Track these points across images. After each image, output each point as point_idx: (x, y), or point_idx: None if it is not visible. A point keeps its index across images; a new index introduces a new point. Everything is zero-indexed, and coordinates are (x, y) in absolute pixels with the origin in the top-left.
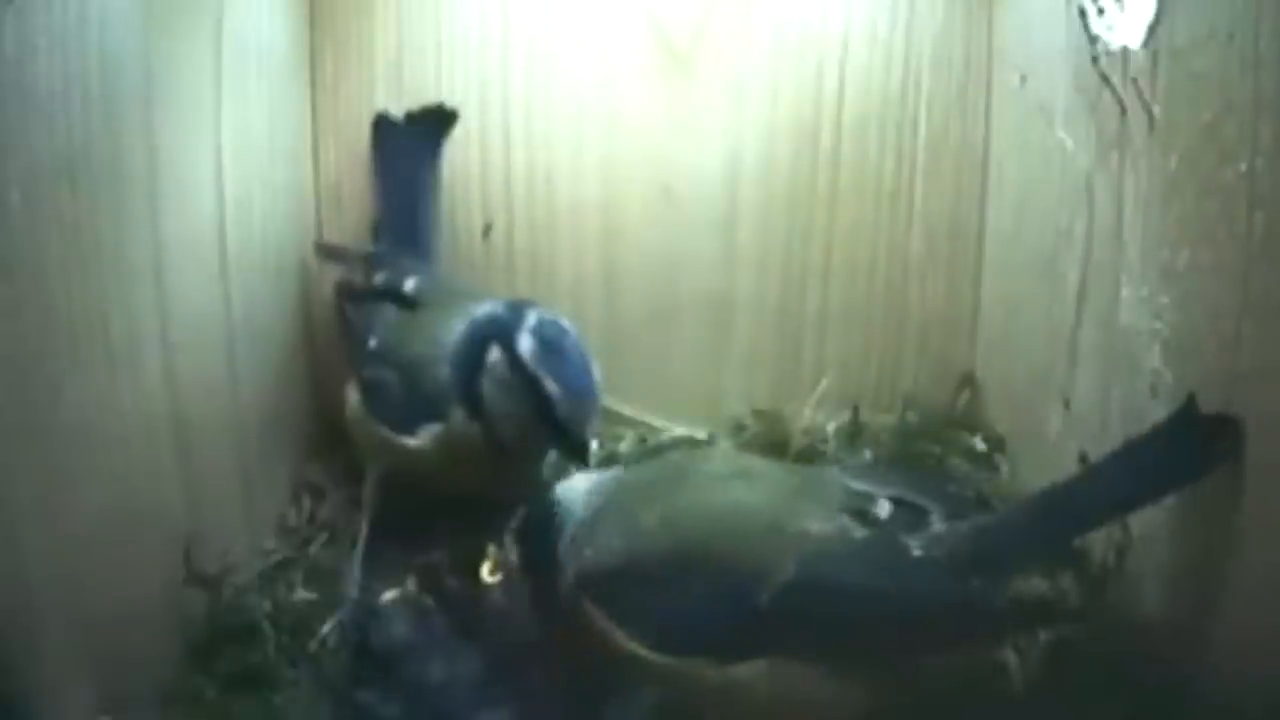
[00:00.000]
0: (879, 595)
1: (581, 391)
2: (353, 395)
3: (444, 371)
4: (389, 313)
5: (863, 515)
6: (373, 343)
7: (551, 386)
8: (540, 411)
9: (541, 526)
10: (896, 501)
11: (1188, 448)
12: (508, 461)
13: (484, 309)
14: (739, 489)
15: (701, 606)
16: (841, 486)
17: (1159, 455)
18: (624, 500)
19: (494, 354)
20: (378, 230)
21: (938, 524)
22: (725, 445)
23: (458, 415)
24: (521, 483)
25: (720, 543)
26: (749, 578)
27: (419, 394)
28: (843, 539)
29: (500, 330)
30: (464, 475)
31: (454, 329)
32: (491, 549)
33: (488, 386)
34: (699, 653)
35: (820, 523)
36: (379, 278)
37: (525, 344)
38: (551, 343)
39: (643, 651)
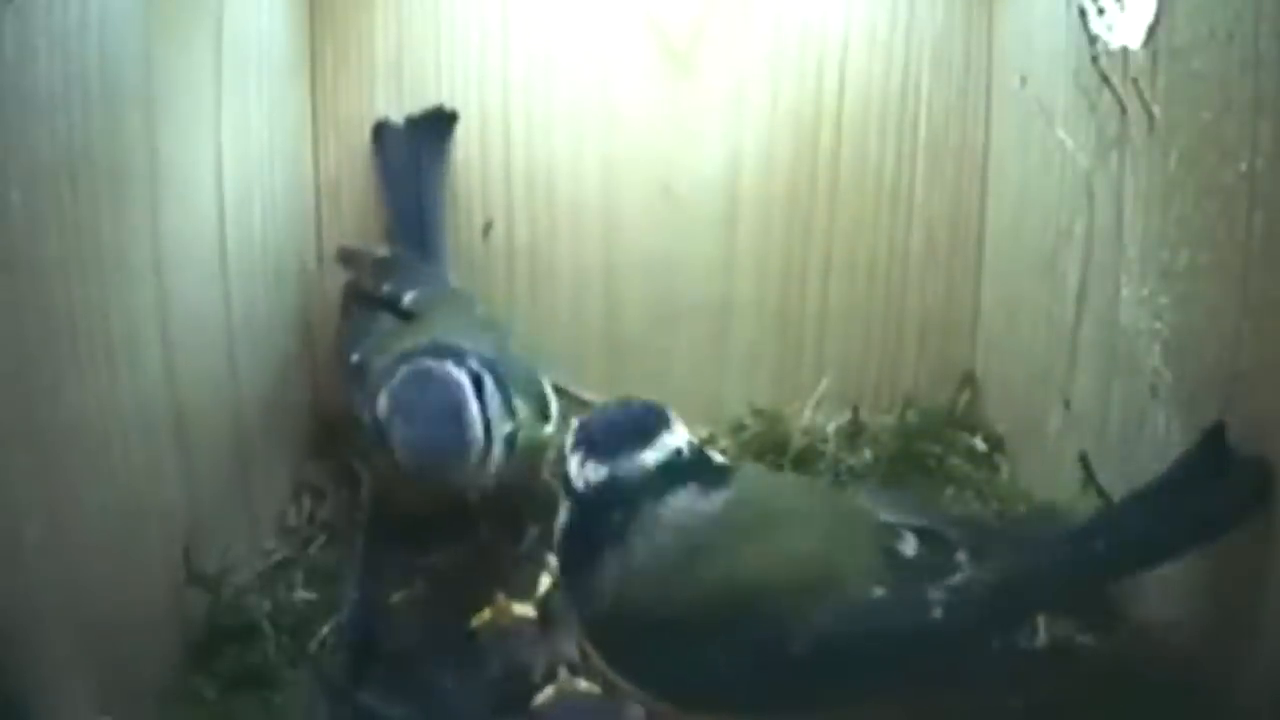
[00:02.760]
0: (896, 666)
1: (418, 442)
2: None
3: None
4: (385, 324)
5: (891, 555)
6: (354, 357)
7: (396, 436)
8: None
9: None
10: (921, 533)
11: (1216, 492)
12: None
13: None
14: (768, 537)
15: (723, 668)
16: (871, 521)
17: (1186, 499)
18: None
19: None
20: (390, 234)
21: (963, 560)
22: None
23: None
24: (502, 501)
25: (743, 606)
26: (768, 644)
27: (374, 426)
28: (865, 601)
29: (380, 388)
30: (427, 497)
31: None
32: (500, 599)
33: (396, 447)
34: (714, 711)
35: (848, 580)
36: (385, 287)
37: (382, 403)
38: (405, 397)
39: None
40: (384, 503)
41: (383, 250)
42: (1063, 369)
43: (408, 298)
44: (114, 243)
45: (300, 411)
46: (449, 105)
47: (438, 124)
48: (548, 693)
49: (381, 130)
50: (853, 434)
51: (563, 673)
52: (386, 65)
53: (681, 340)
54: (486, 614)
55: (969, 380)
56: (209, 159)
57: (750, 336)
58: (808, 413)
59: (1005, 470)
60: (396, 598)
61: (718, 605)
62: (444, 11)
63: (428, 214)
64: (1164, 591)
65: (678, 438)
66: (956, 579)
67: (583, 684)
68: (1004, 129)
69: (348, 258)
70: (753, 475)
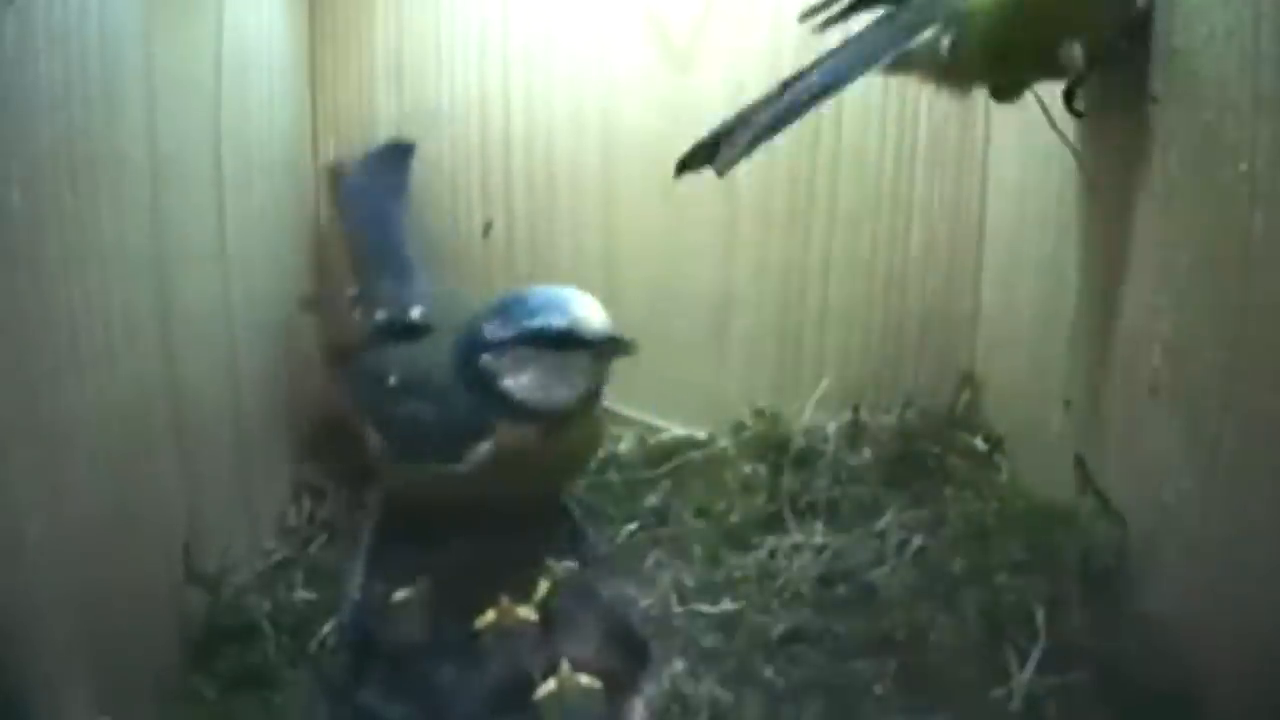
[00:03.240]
0: None
1: (560, 304)
2: (374, 439)
3: (469, 391)
4: (400, 347)
5: None
6: (392, 380)
7: (538, 323)
8: (555, 346)
9: None
10: None
11: None
12: (565, 443)
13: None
14: None
15: None
16: None
17: None
18: None
19: (484, 359)
20: (359, 271)
21: None
22: None
23: (503, 425)
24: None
25: None
26: None
27: (455, 418)
28: None
29: (472, 338)
30: (524, 482)
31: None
32: (504, 601)
33: (508, 386)
34: None
35: None
36: (380, 314)
37: (491, 330)
38: (507, 306)
39: None
40: (399, 499)
41: (351, 289)
42: (1063, 369)
43: (415, 313)
44: (114, 241)
45: (300, 411)
46: (446, 106)
47: (397, 156)
48: (549, 686)
49: (336, 171)
50: (853, 434)
51: (564, 665)
52: (386, 65)
53: (681, 339)
54: (490, 616)
55: (969, 380)
56: (209, 158)
57: (750, 335)
58: (808, 413)
59: (1005, 470)
60: (400, 597)
61: None
62: (444, 11)
63: (402, 243)
64: (1149, 588)
65: None
66: None
67: (584, 679)
68: (1004, 129)
69: (321, 301)
70: None
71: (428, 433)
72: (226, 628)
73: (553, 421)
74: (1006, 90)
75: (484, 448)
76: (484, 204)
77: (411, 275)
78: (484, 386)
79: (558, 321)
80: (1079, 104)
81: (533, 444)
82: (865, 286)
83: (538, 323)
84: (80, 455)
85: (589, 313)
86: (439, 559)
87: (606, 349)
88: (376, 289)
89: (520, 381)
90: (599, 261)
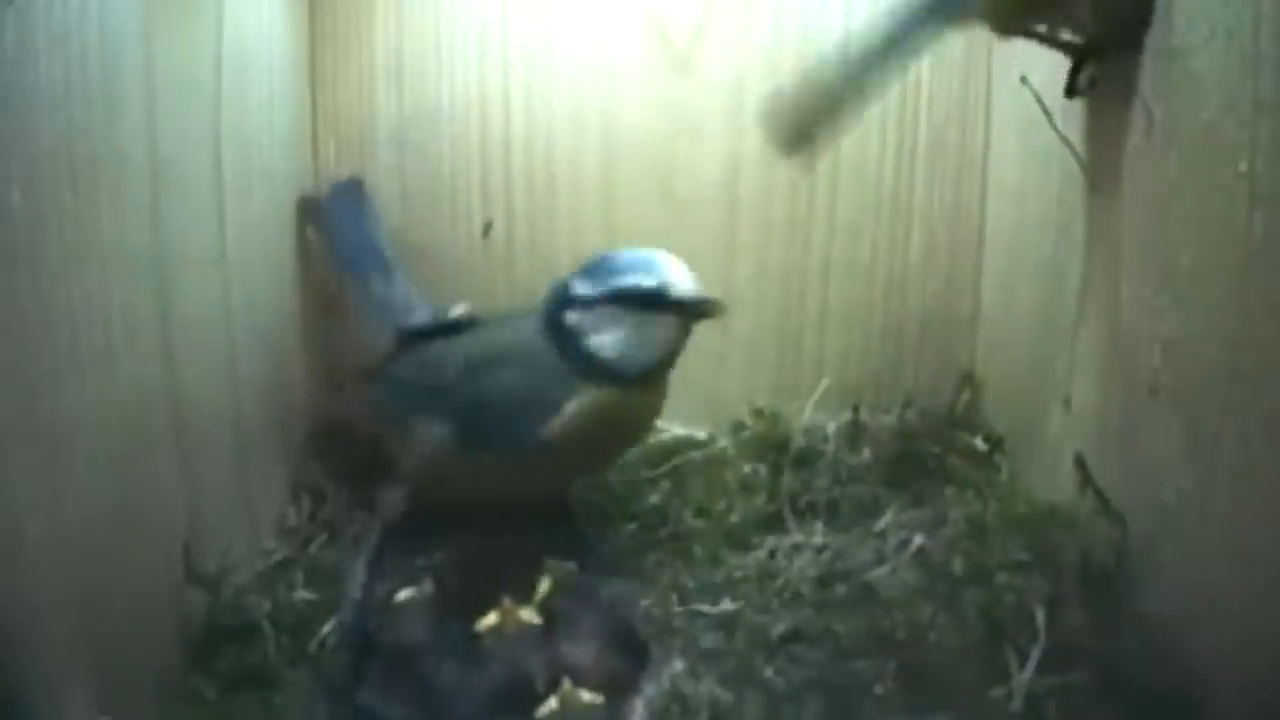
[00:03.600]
0: None
1: (649, 264)
2: (423, 441)
3: (547, 364)
4: (447, 344)
5: None
6: (451, 373)
7: (628, 282)
8: (644, 306)
9: None
10: None
11: None
12: (635, 411)
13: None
14: None
15: None
16: None
17: None
18: None
19: (570, 317)
20: (359, 290)
21: None
22: None
23: (582, 388)
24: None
25: None
26: None
27: (528, 393)
28: None
29: (560, 294)
30: (603, 446)
31: (527, 327)
32: (506, 603)
33: (593, 345)
34: None
35: None
36: (416, 319)
37: (579, 287)
38: (596, 264)
39: None
40: (424, 498)
41: (364, 306)
42: (1063, 369)
43: (454, 312)
44: (114, 241)
45: (300, 411)
46: (446, 106)
47: (353, 189)
48: (550, 704)
49: (310, 204)
50: (853, 434)
51: (566, 682)
52: (386, 65)
53: None
54: (492, 618)
55: (969, 380)
56: (209, 158)
57: (750, 336)
58: (808, 413)
59: (1005, 470)
60: (404, 596)
61: None
62: (444, 11)
63: (394, 260)
64: (1148, 588)
65: None
66: None
67: (585, 695)
68: (1004, 129)
69: (343, 326)
70: None
71: (501, 414)
72: (226, 628)
73: (630, 384)
74: (1003, 26)
75: (557, 420)
76: (484, 204)
77: (408, 288)
78: (568, 344)
79: (647, 281)
80: (1081, 87)
81: (607, 410)
82: (865, 290)
83: (628, 281)
84: (80, 455)
85: (678, 274)
86: (443, 559)
87: (694, 310)
88: (388, 302)
89: (605, 340)
90: None
